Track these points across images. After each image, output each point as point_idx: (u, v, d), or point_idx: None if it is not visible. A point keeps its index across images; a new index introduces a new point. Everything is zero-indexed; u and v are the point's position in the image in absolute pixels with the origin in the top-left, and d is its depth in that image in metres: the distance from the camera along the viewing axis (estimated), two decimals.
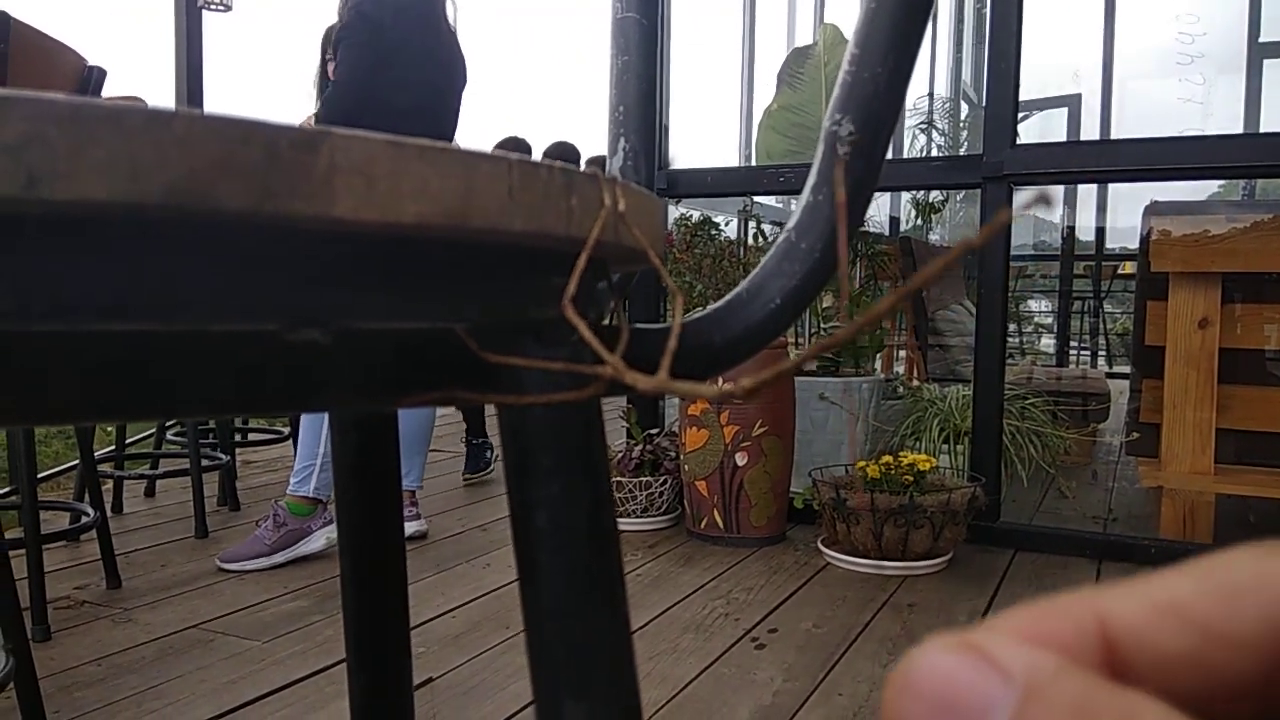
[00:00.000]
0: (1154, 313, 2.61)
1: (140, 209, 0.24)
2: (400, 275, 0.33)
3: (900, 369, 4.58)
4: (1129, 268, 5.91)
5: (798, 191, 0.55)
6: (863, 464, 2.41)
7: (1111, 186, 5.22)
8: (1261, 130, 4.91)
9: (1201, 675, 0.14)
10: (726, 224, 3.26)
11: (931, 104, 5.20)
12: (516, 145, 4.24)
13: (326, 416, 0.97)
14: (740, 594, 2.14)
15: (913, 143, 4.97)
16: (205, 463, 2.64)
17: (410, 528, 2.48)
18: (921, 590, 2.17)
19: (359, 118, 2.33)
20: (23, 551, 1.80)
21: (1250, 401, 2.53)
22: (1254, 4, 5.28)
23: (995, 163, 2.48)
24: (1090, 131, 5.81)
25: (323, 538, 2.36)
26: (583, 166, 0.35)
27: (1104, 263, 6.17)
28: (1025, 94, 2.60)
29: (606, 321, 0.46)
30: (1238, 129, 5.18)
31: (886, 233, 4.75)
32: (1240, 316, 2.54)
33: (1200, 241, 2.48)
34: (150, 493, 3.02)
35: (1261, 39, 5.31)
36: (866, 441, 2.86)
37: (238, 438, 3.40)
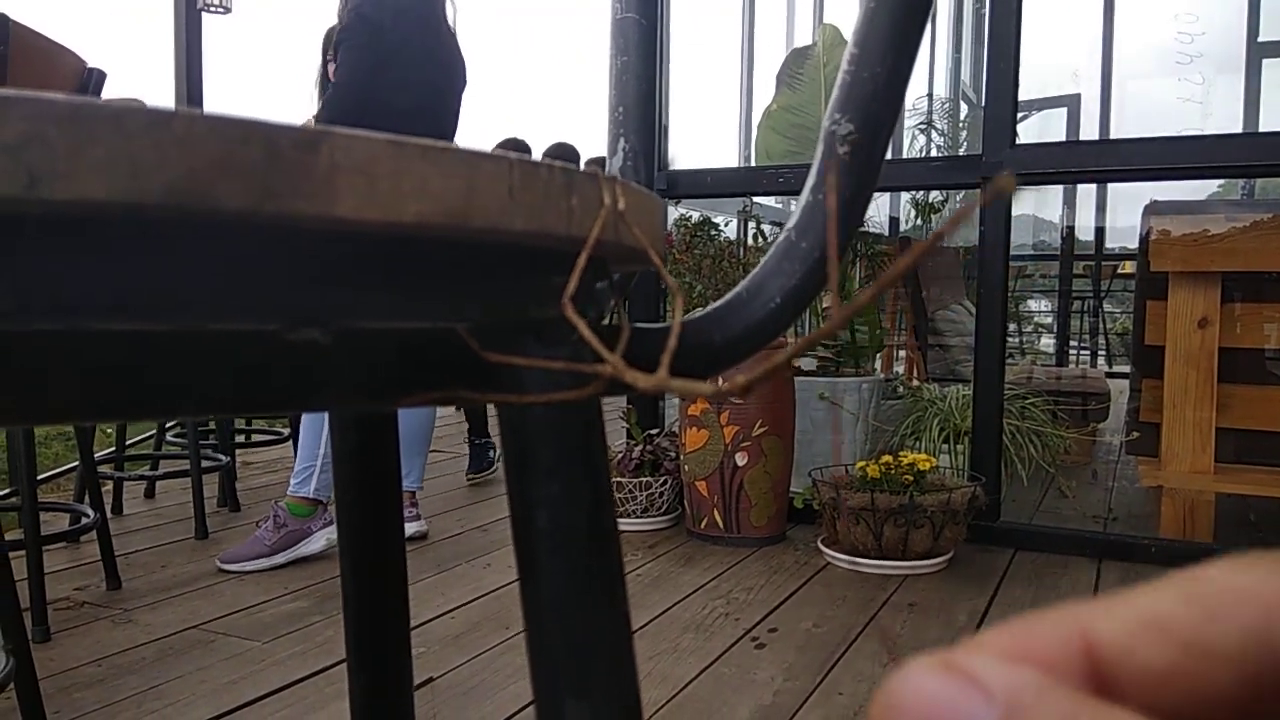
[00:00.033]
0: (1154, 312, 2.62)
1: (140, 209, 0.24)
2: (401, 275, 0.33)
3: (900, 369, 4.59)
4: (1128, 267, 5.92)
5: (797, 192, 0.55)
6: (863, 464, 2.41)
7: (1111, 186, 5.22)
8: (1261, 130, 4.91)
9: (1184, 689, 0.14)
10: (726, 225, 3.26)
11: (931, 104, 5.20)
12: (516, 146, 4.24)
13: (327, 417, 0.97)
14: (740, 594, 2.14)
15: (912, 143, 4.97)
16: (205, 464, 2.64)
17: (410, 528, 2.48)
18: (922, 590, 2.17)
19: (359, 119, 2.33)
20: (23, 552, 1.80)
21: (1250, 401, 2.53)
22: (1253, 3, 5.28)
23: (995, 163, 2.49)
24: (1089, 131, 5.82)
25: (323, 538, 2.36)
26: (582, 167, 0.35)
27: (1104, 262, 6.17)
28: (1024, 94, 2.60)
29: (607, 321, 0.46)
30: (1237, 128, 5.19)
31: (886, 233, 4.75)
32: (1240, 316, 2.54)
33: (1200, 241, 2.48)
34: (150, 494, 3.02)
35: (1260, 38, 5.31)
36: (866, 441, 2.86)
37: (239, 438, 3.40)
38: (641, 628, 1.91)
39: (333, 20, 2.53)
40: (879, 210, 4.75)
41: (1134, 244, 3.46)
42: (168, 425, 3.02)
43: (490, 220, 0.30)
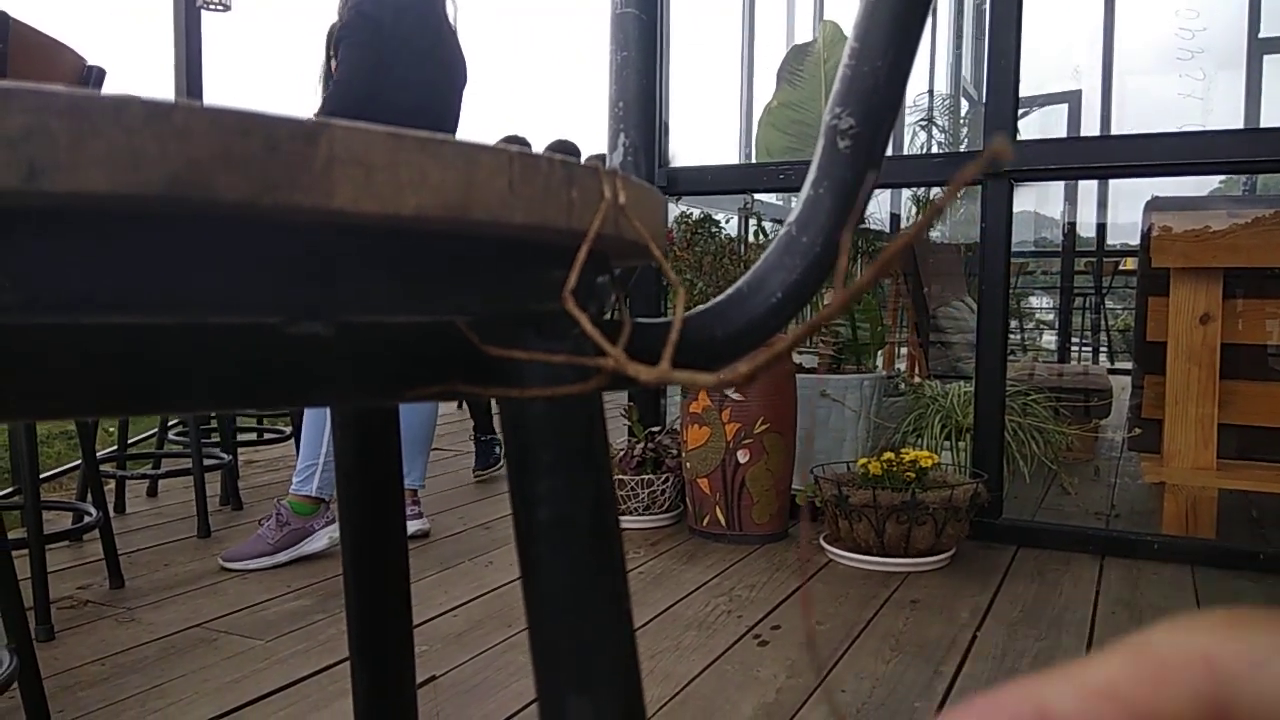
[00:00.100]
0: (1155, 308, 2.61)
1: (141, 201, 0.24)
2: (401, 268, 0.33)
3: (902, 366, 4.59)
4: (1130, 264, 5.91)
5: (798, 188, 0.55)
6: (864, 461, 2.41)
7: (1112, 182, 5.22)
8: (1262, 125, 4.91)
9: None
10: (727, 221, 3.26)
11: (931, 101, 5.20)
12: (517, 144, 4.23)
13: (329, 416, 0.97)
14: (743, 591, 2.13)
15: (913, 139, 4.97)
16: (208, 462, 2.64)
17: (413, 526, 2.49)
18: (924, 587, 2.17)
19: (359, 116, 2.32)
20: (26, 551, 1.80)
21: (1252, 396, 2.53)
22: None
23: (995, 159, 2.48)
24: (1090, 127, 5.82)
25: (325, 537, 2.36)
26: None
27: (1105, 259, 6.17)
28: (1025, 90, 2.60)
29: (608, 316, 0.46)
30: (1238, 124, 5.19)
31: (887, 229, 4.75)
32: (1241, 311, 2.54)
33: (1201, 237, 2.48)
34: (153, 492, 3.02)
35: (1261, 34, 5.31)
36: (869, 438, 2.86)
37: (242, 437, 3.40)
38: (644, 625, 1.91)
39: (333, 18, 2.53)
40: (880, 207, 4.74)
41: (1135, 240, 3.45)
42: (170, 424, 3.03)
43: (490, 213, 0.30)
